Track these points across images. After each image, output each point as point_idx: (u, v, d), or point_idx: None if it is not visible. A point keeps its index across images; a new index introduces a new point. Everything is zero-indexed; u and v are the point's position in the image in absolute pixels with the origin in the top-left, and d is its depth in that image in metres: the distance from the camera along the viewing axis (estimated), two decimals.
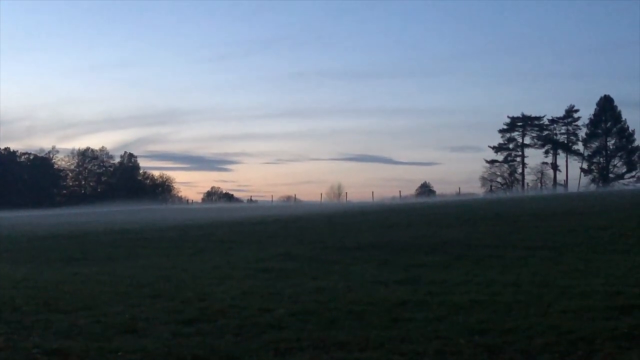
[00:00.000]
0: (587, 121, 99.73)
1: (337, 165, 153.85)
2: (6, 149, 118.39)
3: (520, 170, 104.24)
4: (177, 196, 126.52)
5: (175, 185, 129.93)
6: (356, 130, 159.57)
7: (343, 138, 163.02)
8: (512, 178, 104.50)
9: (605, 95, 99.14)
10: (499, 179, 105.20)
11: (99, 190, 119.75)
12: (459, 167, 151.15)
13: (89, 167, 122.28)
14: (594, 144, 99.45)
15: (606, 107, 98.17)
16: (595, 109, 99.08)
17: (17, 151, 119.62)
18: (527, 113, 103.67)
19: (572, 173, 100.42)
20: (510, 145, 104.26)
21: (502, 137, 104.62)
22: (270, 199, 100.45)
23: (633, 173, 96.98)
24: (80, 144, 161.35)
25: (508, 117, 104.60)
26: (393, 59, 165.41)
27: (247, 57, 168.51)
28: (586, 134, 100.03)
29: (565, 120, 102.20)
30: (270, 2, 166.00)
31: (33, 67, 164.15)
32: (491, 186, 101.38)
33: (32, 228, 34.67)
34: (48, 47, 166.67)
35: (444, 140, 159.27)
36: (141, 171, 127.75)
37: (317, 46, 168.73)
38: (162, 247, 22.05)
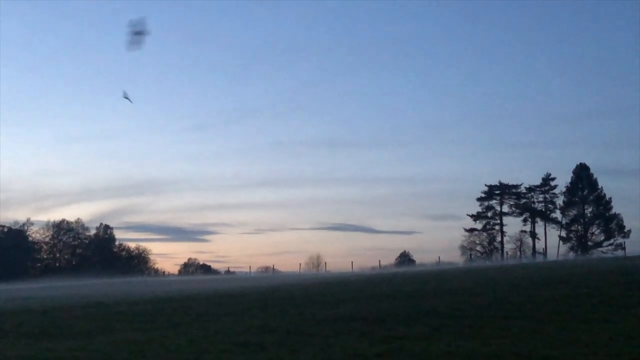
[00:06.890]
0: (564, 189, 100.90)
1: (317, 234, 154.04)
2: None
3: (499, 239, 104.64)
4: (154, 268, 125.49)
5: (152, 257, 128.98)
6: (336, 199, 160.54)
7: (322, 207, 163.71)
8: (492, 246, 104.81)
9: (581, 163, 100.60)
10: (478, 248, 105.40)
11: (73, 262, 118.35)
12: (438, 236, 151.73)
13: (64, 239, 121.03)
14: (572, 212, 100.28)
15: (582, 175, 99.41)
16: (572, 177, 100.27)
17: None
18: (505, 181, 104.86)
19: (551, 241, 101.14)
20: (489, 214, 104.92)
21: (480, 205, 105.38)
22: (249, 270, 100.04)
23: (611, 241, 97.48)
24: (56, 216, 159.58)
25: (486, 185, 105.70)
26: (372, 128, 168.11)
27: (226, 127, 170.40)
28: (563, 202, 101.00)
29: (543, 189, 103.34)
30: (250, 73, 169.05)
31: (8, 140, 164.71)
32: (470, 255, 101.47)
33: (5, 302, 33.95)
34: (23, 120, 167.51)
35: (424, 208, 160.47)
36: (117, 243, 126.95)
37: (296, 116, 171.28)
38: (138, 321, 21.64)
